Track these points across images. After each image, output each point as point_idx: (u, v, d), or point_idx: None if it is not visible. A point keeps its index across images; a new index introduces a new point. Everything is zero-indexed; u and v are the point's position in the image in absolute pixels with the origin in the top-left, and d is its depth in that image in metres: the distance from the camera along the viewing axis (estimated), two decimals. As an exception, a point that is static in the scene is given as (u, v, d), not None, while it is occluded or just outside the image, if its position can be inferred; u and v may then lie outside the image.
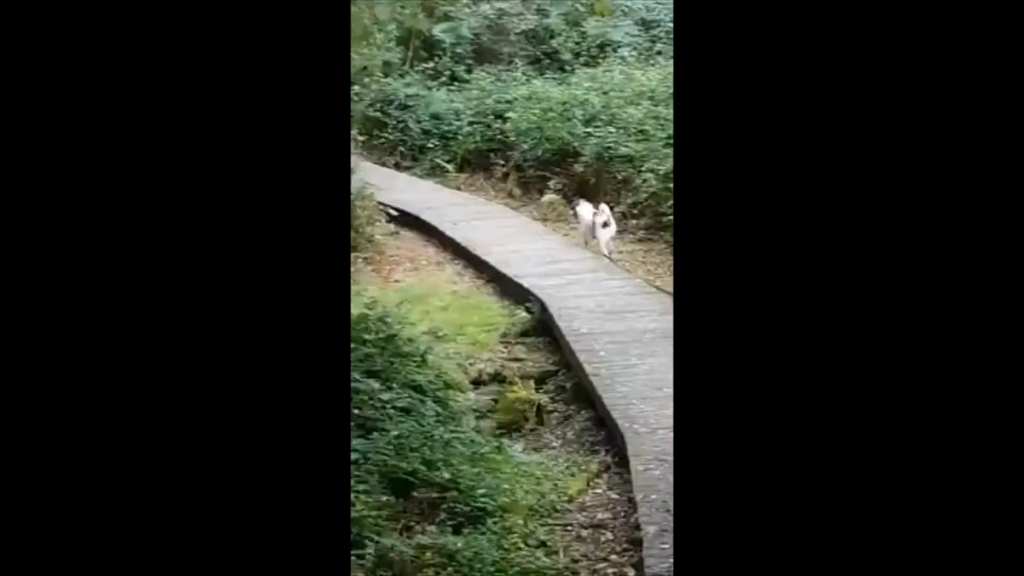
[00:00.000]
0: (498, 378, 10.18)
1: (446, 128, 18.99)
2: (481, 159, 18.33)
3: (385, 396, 8.01)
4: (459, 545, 6.33)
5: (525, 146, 17.41)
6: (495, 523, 6.79)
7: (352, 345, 8.71)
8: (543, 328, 11.29)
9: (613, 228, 13.73)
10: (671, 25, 19.26)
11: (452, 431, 8.02)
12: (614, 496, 7.61)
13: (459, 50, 20.96)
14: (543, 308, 11.46)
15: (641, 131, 15.81)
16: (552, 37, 21.06)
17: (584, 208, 14.43)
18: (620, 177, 15.46)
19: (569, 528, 7.17)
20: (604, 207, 14.05)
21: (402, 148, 19.25)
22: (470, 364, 10.50)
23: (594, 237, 13.84)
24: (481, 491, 7.03)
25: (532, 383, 9.95)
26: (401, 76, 20.26)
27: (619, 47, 20.14)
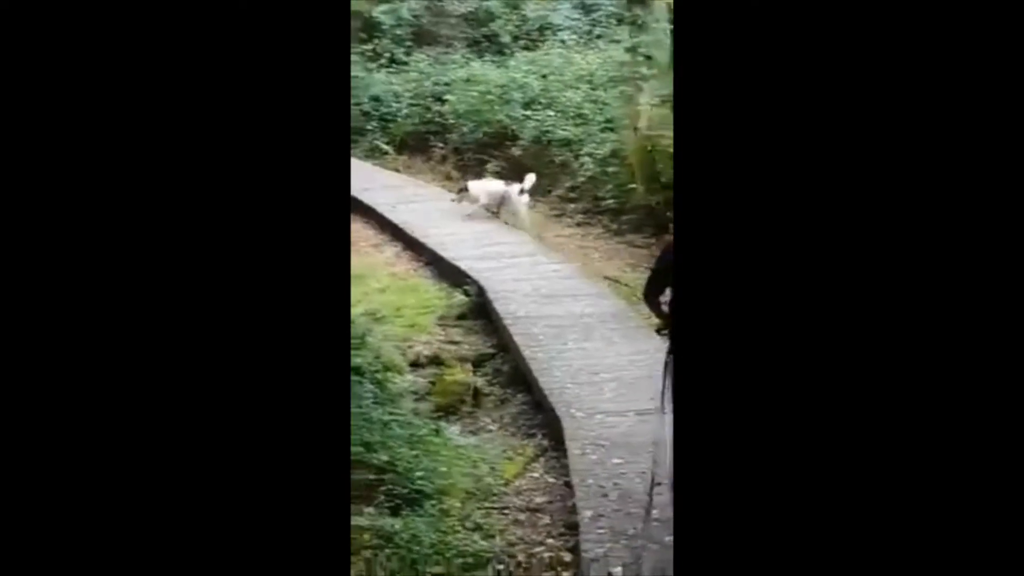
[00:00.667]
0: (435, 360, 10.17)
1: (385, 110, 18.91)
2: (419, 142, 18.29)
3: (323, 378, 7.99)
4: (397, 527, 6.37)
5: (464, 129, 17.41)
6: (433, 505, 6.83)
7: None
8: (480, 311, 11.31)
9: (526, 198, 14.01)
10: (611, 9, 19.36)
11: (390, 413, 8.04)
12: (551, 480, 7.66)
13: (398, 32, 20.85)
14: (480, 291, 11.49)
15: (580, 115, 15.87)
16: (492, 20, 21.00)
17: (478, 184, 14.58)
18: (558, 161, 15.50)
19: (506, 511, 7.20)
20: (531, 175, 14.28)
21: (340, 129, 19.13)
22: (408, 346, 10.49)
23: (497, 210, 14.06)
24: (419, 473, 7.06)
25: (469, 366, 9.97)
26: (340, 57, 20.11)
27: (559, 30, 20.12)
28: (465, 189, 14.72)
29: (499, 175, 16.19)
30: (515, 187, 14.20)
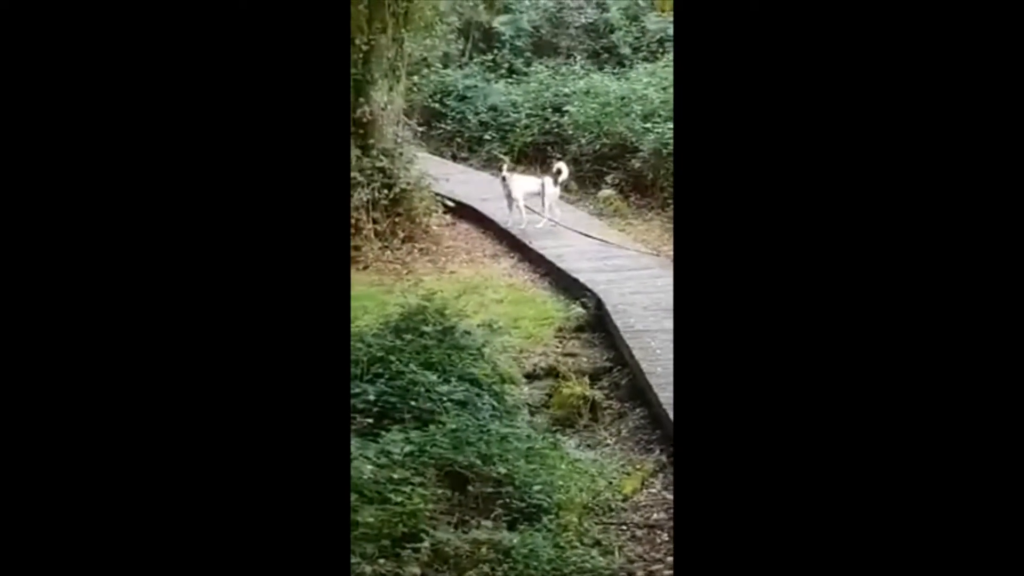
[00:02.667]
0: (552, 373, 10.11)
1: (503, 120, 18.99)
2: (538, 152, 18.29)
3: (442, 388, 8.01)
4: (514, 541, 6.30)
5: (582, 140, 17.40)
6: (550, 520, 6.75)
7: (409, 336, 8.75)
8: (598, 324, 11.24)
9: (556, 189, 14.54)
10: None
11: (508, 425, 7.99)
12: (669, 496, 7.54)
13: (518, 42, 20.97)
14: (598, 303, 11.41)
15: (700, 127, 15.70)
16: (612, 31, 21.01)
17: (515, 179, 14.89)
18: (678, 174, 15.35)
19: (624, 527, 7.11)
20: (561, 166, 14.94)
21: (459, 139, 19.29)
22: (524, 358, 10.47)
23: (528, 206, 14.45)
24: (536, 487, 6.98)
25: (586, 379, 9.87)
26: (460, 68, 20.28)
27: (679, 42, 20.01)
28: (504, 179, 14.88)
29: (616, 187, 16.16)
30: (548, 179, 14.71)
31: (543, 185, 14.71)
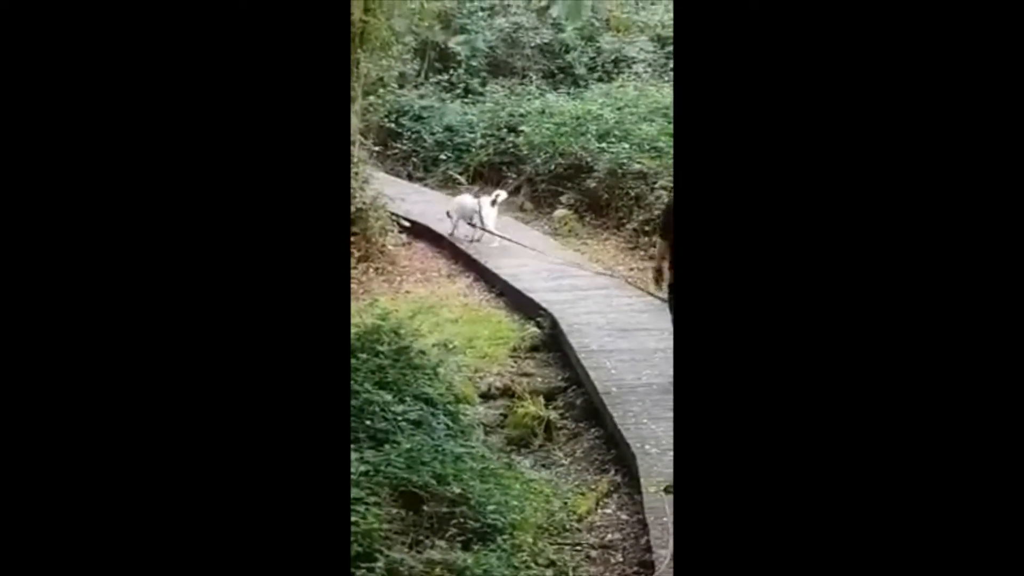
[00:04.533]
0: (507, 392, 10.12)
1: (459, 140, 19.03)
2: (494, 172, 18.34)
3: (397, 408, 7.99)
4: (469, 562, 6.29)
5: (538, 160, 17.43)
6: (505, 540, 6.75)
7: (364, 356, 8.72)
8: (553, 343, 11.27)
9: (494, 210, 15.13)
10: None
11: (462, 445, 7.98)
12: (624, 517, 7.56)
13: (474, 63, 21.02)
14: (553, 323, 11.44)
15: (655, 147, 15.82)
16: (567, 52, 21.11)
17: (453, 202, 15.74)
18: (632, 193, 15.45)
19: (579, 548, 7.12)
20: (500, 192, 15.57)
21: (415, 159, 19.32)
22: (480, 377, 10.47)
23: (471, 222, 15.05)
24: (491, 507, 6.97)
25: (542, 399, 9.87)
26: (416, 88, 20.30)
27: (634, 63, 20.18)
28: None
29: (572, 207, 16.22)
30: (486, 199, 15.17)
31: (480, 204, 15.10)
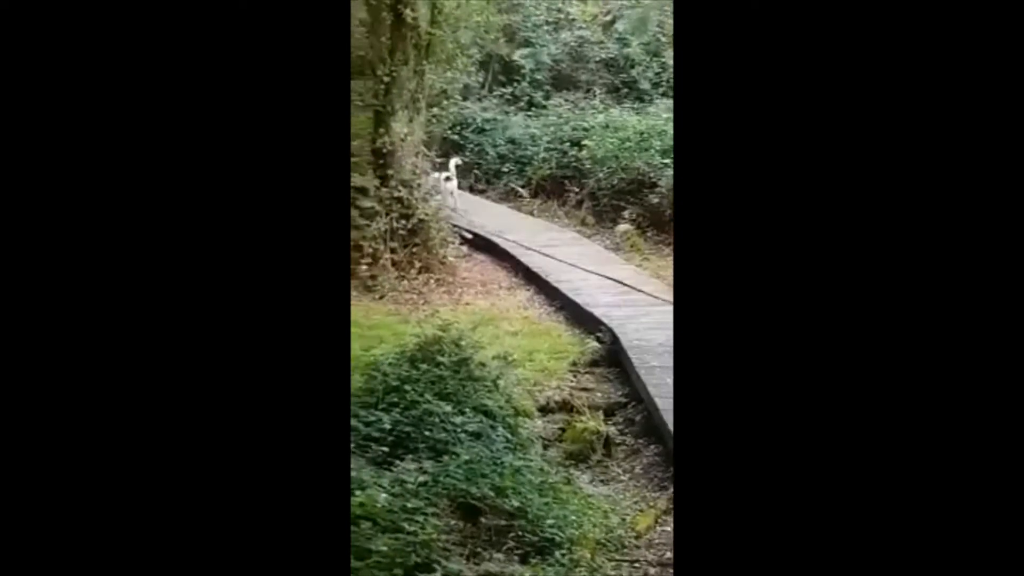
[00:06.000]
0: (566, 407, 10.07)
1: (522, 153, 19.05)
2: (556, 185, 18.34)
3: (456, 419, 7.98)
4: (526, 575, 6.27)
5: (600, 174, 17.42)
6: (562, 555, 6.70)
7: (425, 366, 8.73)
8: (613, 359, 11.20)
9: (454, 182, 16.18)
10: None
11: (521, 458, 7.94)
12: (684, 534, 7.48)
13: (538, 76, 21.04)
14: (614, 338, 11.37)
15: (719, 165, 15.71)
16: (632, 66, 21.08)
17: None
18: (696, 210, 15.36)
19: (637, 565, 7.06)
20: (452, 164, 16.51)
21: (477, 171, 19.33)
22: (538, 391, 10.43)
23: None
24: (549, 521, 6.93)
25: (600, 414, 9.82)
26: (480, 100, 20.35)
27: (699, 79, 20.07)
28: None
29: (634, 222, 16.15)
30: (443, 175, 15.86)
31: (437, 181, 15.81)
